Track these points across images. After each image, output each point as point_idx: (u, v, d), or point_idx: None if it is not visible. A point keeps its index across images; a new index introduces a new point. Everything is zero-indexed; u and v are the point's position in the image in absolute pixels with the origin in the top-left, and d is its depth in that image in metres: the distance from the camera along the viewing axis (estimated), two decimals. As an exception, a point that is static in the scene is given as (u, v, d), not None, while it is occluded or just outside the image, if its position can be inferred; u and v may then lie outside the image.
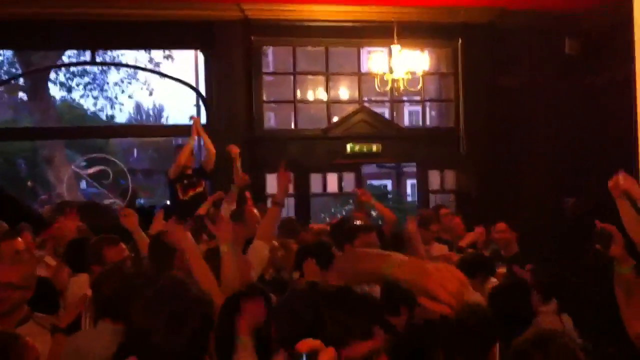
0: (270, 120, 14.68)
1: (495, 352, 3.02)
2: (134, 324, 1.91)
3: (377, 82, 9.30)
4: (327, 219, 9.59)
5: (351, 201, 11.56)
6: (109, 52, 15.59)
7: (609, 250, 3.33)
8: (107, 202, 11.05)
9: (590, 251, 3.94)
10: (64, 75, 19.95)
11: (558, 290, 4.36)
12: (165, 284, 2.00)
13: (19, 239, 4.20)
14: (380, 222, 7.56)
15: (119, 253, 4.09)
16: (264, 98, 10.36)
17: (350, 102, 11.19)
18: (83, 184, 16.74)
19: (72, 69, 19.37)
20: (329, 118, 10.71)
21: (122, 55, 15.62)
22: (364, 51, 10.98)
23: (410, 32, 9.60)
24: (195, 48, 11.47)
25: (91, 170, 12.02)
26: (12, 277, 3.00)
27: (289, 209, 9.97)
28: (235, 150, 7.62)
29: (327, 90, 10.91)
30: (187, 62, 13.82)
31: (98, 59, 12.79)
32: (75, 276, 4.31)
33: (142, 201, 18.81)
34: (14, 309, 3.08)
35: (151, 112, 30.36)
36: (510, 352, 2.25)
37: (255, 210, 6.27)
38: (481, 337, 2.91)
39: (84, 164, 12.69)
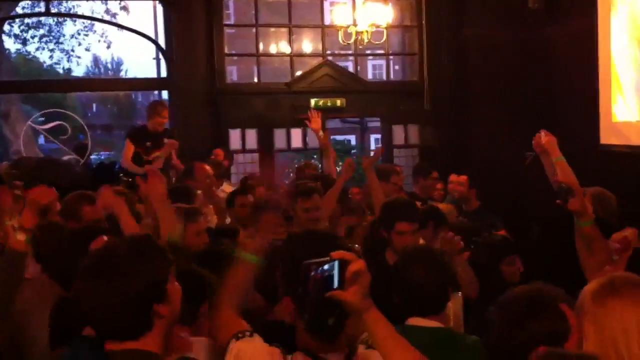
0: (233, 74, 14.46)
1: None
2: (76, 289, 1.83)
3: (340, 35, 9.16)
4: (291, 174, 9.50)
5: (315, 156, 11.50)
6: (64, 3, 15.10)
7: (567, 204, 3.36)
8: (65, 158, 10.81)
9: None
10: (19, 27, 19.32)
11: None
12: (109, 244, 1.89)
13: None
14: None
15: (95, 212, 3.98)
16: (226, 51, 10.16)
17: (313, 55, 11.04)
18: (41, 140, 16.36)
19: (27, 20, 18.74)
20: (293, 72, 10.56)
21: (77, 6, 15.14)
22: (326, 3, 10.78)
23: (373, -16, 9.44)
24: (154, -1, 11.15)
25: (48, 126, 11.70)
26: None
27: (253, 165, 9.90)
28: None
29: (290, 44, 10.73)
30: (146, 14, 13.47)
31: (53, 10, 12.35)
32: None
33: (102, 156, 18.53)
34: None
35: (109, 66, 29.70)
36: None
37: (207, 166, 6.12)
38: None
39: (41, 119, 12.35)
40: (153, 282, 1.81)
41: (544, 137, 4.22)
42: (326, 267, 1.70)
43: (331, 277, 1.69)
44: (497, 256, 4.10)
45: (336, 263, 1.69)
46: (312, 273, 1.72)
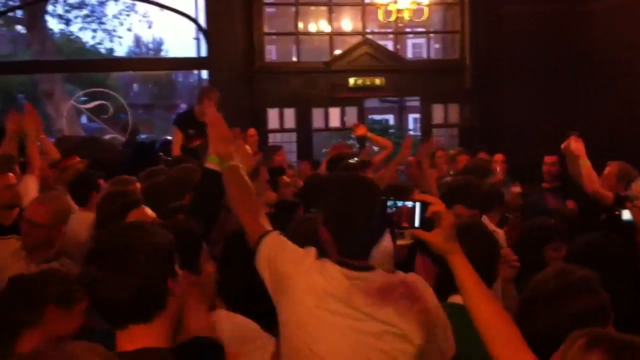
0: (272, 53, 14.44)
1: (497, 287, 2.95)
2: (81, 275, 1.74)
3: (381, 13, 9.05)
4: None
5: (353, 136, 11.43)
6: (106, -17, 15.25)
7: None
8: (107, 136, 10.98)
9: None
10: (62, 7, 19.60)
11: None
12: (108, 231, 1.78)
13: (11, 173, 4.04)
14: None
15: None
16: (265, 30, 10.15)
17: (353, 34, 10.95)
18: (84, 119, 16.63)
19: (70, 1, 19.02)
20: (332, 51, 10.51)
21: (119, -14, 15.30)
22: (367, -19, 10.67)
23: (414, -39, 9.30)
24: (194, -22, 11.19)
25: (91, 105, 11.88)
26: None
27: (291, 144, 9.91)
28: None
29: (329, 22, 10.67)
30: (186, -6, 13.54)
31: (95, -10, 12.51)
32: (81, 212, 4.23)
33: (142, 136, 18.73)
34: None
35: (151, 45, 29.92)
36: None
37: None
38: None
39: (83, 98, 12.54)
40: (168, 257, 1.70)
41: (574, 143, 4.37)
42: (408, 204, 1.77)
43: (412, 215, 1.77)
44: (544, 239, 3.93)
45: (418, 204, 1.76)
46: (390, 208, 1.78)
